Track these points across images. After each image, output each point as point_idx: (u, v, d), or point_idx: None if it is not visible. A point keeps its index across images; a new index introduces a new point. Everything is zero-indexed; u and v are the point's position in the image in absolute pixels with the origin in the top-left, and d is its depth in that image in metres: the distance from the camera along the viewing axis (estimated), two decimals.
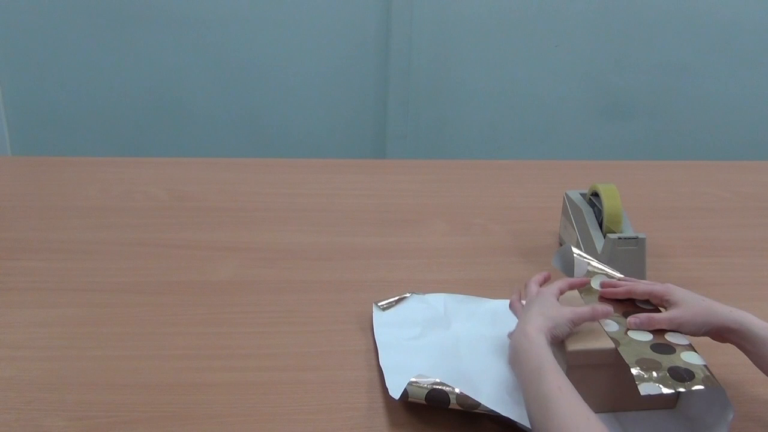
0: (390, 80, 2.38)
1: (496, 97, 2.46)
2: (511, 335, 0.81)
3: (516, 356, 0.78)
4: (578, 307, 0.83)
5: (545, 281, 0.92)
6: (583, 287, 0.90)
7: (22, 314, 0.98)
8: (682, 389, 0.72)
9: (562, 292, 0.87)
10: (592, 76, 2.46)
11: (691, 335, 0.81)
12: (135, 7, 2.26)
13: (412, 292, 1.04)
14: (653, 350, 0.78)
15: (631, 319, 0.83)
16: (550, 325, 0.79)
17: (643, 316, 0.82)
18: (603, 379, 0.80)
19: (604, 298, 0.88)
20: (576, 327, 0.81)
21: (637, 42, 2.43)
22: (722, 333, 0.80)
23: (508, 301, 0.94)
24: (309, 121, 2.45)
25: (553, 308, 0.82)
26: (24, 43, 2.30)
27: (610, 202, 1.10)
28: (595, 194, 1.15)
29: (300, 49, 2.35)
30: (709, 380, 0.73)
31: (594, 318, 0.82)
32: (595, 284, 0.92)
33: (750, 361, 0.79)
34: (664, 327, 0.82)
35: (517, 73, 2.44)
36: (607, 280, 0.90)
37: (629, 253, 1.06)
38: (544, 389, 0.71)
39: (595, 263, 0.96)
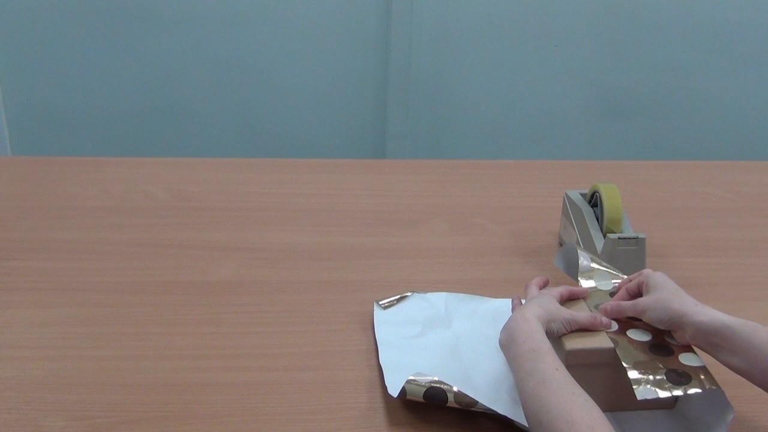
0: (390, 80, 2.38)
1: (495, 97, 2.46)
2: (504, 326, 0.81)
3: (511, 336, 0.78)
4: (580, 311, 0.84)
5: (544, 285, 0.92)
6: (585, 295, 0.90)
7: (22, 314, 0.98)
8: (678, 393, 0.72)
9: (562, 297, 0.87)
10: (592, 76, 2.46)
11: (656, 325, 0.80)
12: (135, 8, 2.26)
13: (414, 291, 1.04)
14: (652, 351, 0.78)
15: (603, 306, 0.85)
16: (548, 318, 0.80)
17: (613, 303, 0.84)
18: (602, 379, 0.80)
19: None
20: (570, 330, 0.81)
21: (637, 42, 2.42)
22: (684, 325, 0.77)
23: (509, 300, 0.95)
24: (309, 121, 2.45)
25: (552, 305, 0.82)
26: (24, 43, 2.30)
27: (610, 202, 1.11)
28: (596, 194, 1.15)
29: (300, 50, 2.35)
30: (707, 382, 0.73)
31: (593, 327, 0.82)
32: (598, 283, 0.92)
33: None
34: (629, 314, 0.82)
35: (517, 73, 2.44)
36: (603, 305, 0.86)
37: (629, 253, 1.06)
38: (541, 367, 0.71)
39: (598, 260, 0.96)
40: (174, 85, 2.37)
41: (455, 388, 0.79)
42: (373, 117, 2.46)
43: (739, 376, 0.75)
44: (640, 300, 0.82)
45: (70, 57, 2.32)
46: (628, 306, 0.83)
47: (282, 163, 1.55)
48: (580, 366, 0.77)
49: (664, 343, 0.80)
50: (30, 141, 2.41)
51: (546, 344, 0.75)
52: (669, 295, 0.80)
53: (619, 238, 1.07)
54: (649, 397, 0.71)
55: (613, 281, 0.93)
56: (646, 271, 0.85)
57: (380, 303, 1.01)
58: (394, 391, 0.81)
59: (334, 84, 2.40)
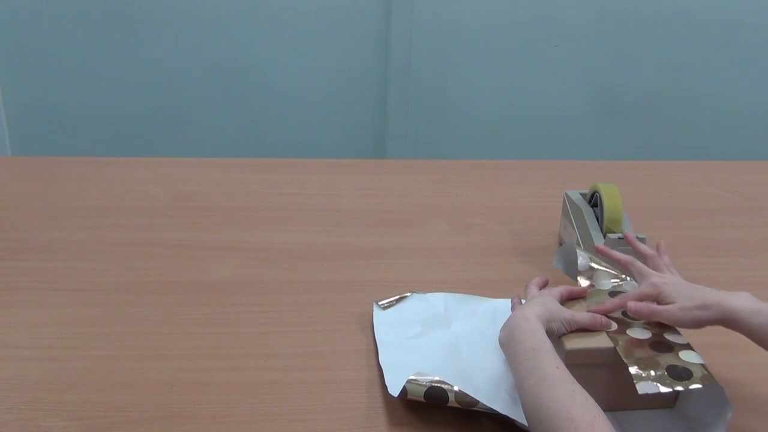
0: (390, 80, 2.38)
1: (496, 97, 2.46)
2: (504, 325, 0.81)
3: (511, 335, 0.78)
4: (580, 311, 0.84)
5: (544, 285, 0.92)
6: (584, 295, 0.90)
7: (22, 314, 0.98)
8: (680, 388, 0.72)
9: (562, 297, 0.87)
10: (592, 77, 2.46)
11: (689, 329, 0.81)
12: (135, 8, 2.26)
13: (413, 291, 1.04)
14: (652, 349, 0.78)
15: (631, 304, 0.82)
16: (548, 317, 0.80)
17: (642, 304, 0.82)
18: (602, 378, 0.80)
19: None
20: (570, 329, 0.81)
21: (637, 42, 2.42)
22: (716, 324, 0.79)
23: (508, 300, 0.95)
24: (309, 121, 2.45)
25: (553, 304, 0.82)
26: (24, 43, 2.30)
27: (610, 202, 1.11)
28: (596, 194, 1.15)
29: (300, 50, 2.35)
30: (707, 379, 0.73)
31: (593, 327, 0.82)
32: (597, 283, 0.92)
33: (751, 360, 0.79)
34: (660, 320, 0.82)
35: (517, 73, 2.44)
36: (595, 306, 0.87)
37: (629, 253, 1.06)
38: (541, 365, 0.71)
39: (597, 260, 0.96)
40: (174, 85, 2.37)
41: (456, 388, 0.79)
42: (373, 117, 2.46)
43: (737, 375, 0.75)
44: (670, 314, 0.80)
45: (70, 57, 2.32)
46: (661, 312, 0.81)
47: (282, 163, 1.55)
48: (580, 366, 0.77)
49: (664, 340, 0.80)
50: (30, 141, 2.41)
51: (546, 343, 0.75)
52: (693, 305, 0.79)
53: (619, 238, 1.07)
54: (650, 392, 0.71)
55: (613, 281, 0.93)
56: (659, 288, 0.83)
57: (380, 303, 1.01)
58: (394, 390, 0.81)
59: (334, 84, 2.40)
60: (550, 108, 2.49)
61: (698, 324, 0.79)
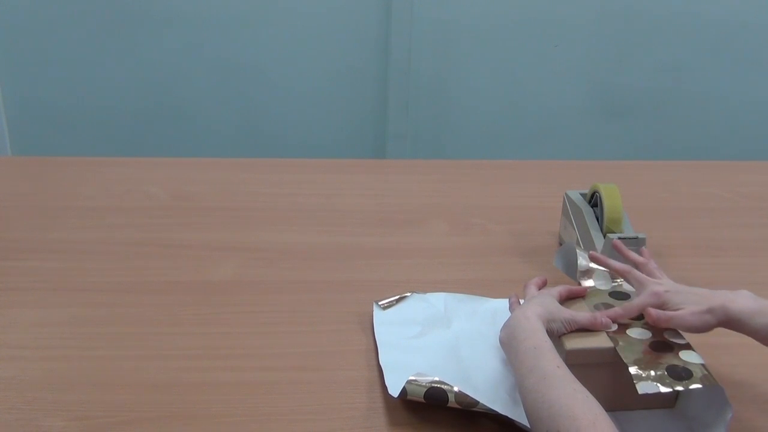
0: (390, 80, 2.38)
1: (496, 97, 2.46)
2: (505, 324, 0.81)
3: (512, 334, 0.78)
4: (580, 311, 0.84)
5: (543, 285, 0.92)
6: (584, 295, 0.90)
7: (22, 314, 0.98)
8: (680, 388, 0.72)
9: (561, 297, 0.87)
10: (592, 76, 2.46)
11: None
12: (135, 7, 2.26)
13: (413, 291, 1.04)
14: (652, 349, 0.78)
15: (652, 311, 0.81)
16: (548, 317, 0.80)
17: (661, 312, 0.81)
18: (602, 378, 0.80)
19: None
20: (570, 329, 0.81)
21: (637, 42, 2.42)
22: (720, 327, 0.79)
23: (508, 301, 0.95)
24: (309, 121, 2.45)
25: (552, 304, 0.82)
26: (24, 43, 2.30)
27: (610, 202, 1.11)
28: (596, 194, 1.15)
29: (300, 50, 2.35)
30: (707, 379, 0.73)
31: (593, 328, 0.82)
32: (597, 283, 0.92)
33: (752, 361, 0.79)
34: (674, 327, 0.81)
35: (517, 73, 2.44)
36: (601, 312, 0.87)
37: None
38: (542, 364, 0.71)
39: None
40: (174, 85, 2.37)
41: (456, 388, 0.79)
42: (373, 117, 2.46)
43: (737, 376, 0.75)
44: (684, 320, 0.80)
45: (70, 57, 2.32)
46: (677, 320, 0.80)
47: (282, 163, 1.55)
48: (580, 366, 0.77)
49: (665, 340, 0.80)
50: (30, 141, 2.41)
51: (547, 342, 0.75)
52: (701, 310, 0.79)
53: (619, 238, 1.07)
54: (650, 392, 0.71)
55: (612, 281, 0.93)
56: (662, 297, 0.82)
57: (379, 303, 1.01)
58: (394, 391, 0.81)
59: (334, 84, 2.40)
60: (550, 108, 2.49)
61: (709, 328, 0.79)
